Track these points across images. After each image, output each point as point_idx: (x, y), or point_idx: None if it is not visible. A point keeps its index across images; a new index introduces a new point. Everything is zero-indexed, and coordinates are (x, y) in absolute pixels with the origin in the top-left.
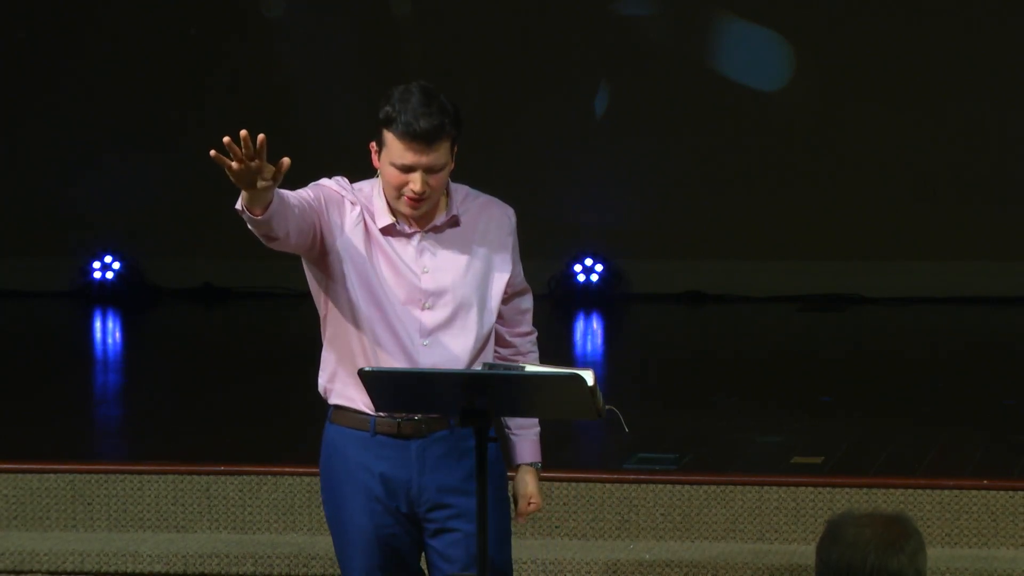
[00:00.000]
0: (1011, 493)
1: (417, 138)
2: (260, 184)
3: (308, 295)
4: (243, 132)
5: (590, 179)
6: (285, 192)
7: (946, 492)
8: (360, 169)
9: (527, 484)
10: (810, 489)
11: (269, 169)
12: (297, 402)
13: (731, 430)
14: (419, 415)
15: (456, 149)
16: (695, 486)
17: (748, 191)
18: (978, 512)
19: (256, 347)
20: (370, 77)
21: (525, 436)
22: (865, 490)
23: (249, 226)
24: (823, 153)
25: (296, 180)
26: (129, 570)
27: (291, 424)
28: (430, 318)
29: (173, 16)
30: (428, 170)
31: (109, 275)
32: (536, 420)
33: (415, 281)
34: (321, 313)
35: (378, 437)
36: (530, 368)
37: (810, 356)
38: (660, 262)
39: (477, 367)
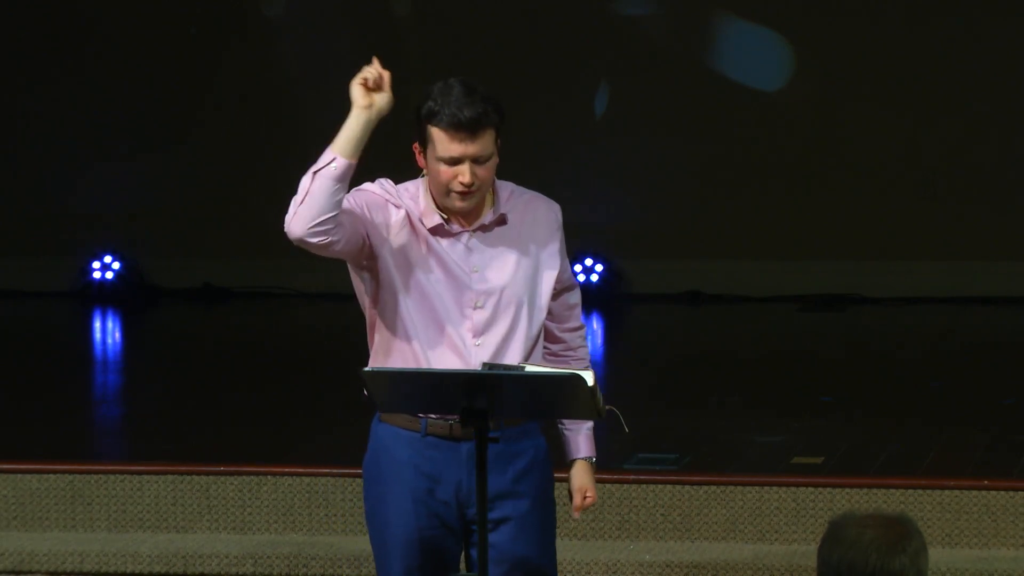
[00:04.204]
0: (1011, 493)
1: (462, 127)
2: (378, 104)
3: (307, 296)
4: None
5: (590, 179)
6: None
7: (946, 492)
8: (363, 167)
9: (582, 478)
10: (810, 489)
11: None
12: (297, 402)
13: (731, 430)
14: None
15: (500, 142)
16: (695, 486)
17: (748, 191)
18: (978, 512)
19: (256, 347)
20: None
21: (578, 431)
22: (865, 490)
23: (317, 224)
24: (823, 153)
25: (296, 178)
26: (129, 570)
27: (291, 424)
28: (481, 318)
29: (173, 16)
30: (475, 160)
31: (109, 275)
32: None
33: (466, 281)
34: (368, 319)
35: (428, 438)
36: (530, 368)
37: (810, 356)
38: (660, 262)
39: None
